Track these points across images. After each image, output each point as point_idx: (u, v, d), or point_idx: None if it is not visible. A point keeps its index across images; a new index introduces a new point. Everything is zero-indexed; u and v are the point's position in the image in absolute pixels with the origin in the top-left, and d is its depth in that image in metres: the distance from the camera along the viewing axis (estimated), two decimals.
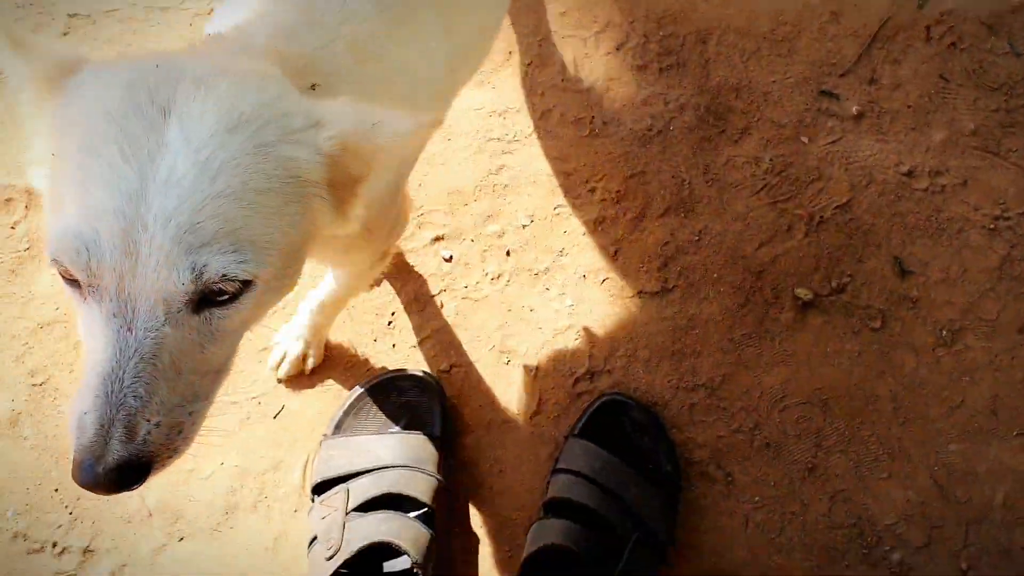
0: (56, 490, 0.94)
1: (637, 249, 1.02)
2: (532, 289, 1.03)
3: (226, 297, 0.49)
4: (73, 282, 0.49)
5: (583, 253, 1.02)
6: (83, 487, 0.49)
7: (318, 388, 0.99)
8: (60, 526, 0.93)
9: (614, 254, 1.02)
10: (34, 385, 0.96)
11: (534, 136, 1.07)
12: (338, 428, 1.00)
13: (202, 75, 0.50)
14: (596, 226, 1.03)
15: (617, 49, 1.10)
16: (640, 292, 1.01)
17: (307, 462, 0.95)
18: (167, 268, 0.46)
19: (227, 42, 0.60)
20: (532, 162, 1.06)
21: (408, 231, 1.05)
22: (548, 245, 1.04)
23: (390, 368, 1.00)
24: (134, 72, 0.50)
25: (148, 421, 0.49)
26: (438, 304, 1.02)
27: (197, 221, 0.46)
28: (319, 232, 0.55)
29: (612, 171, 1.06)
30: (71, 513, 0.94)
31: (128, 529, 0.94)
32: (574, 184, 1.06)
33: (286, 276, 0.55)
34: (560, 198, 1.05)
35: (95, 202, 0.46)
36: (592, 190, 1.05)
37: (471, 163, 1.06)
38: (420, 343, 1.02)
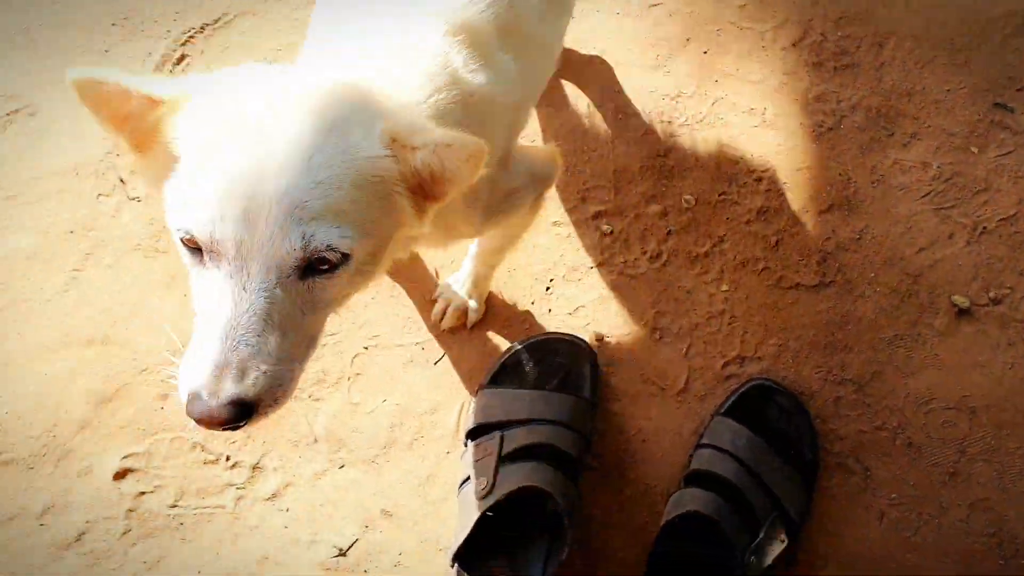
0: None
1: (797, 242, 1.26)
2: (690, 271, 1.28)
3: (327, 267, 0.66)
4: (195, 250, 0.66)
5: (743, 241, 1.26)
6: (195, 418, 0.65)
7: (477, 341, 1.26)
8: (234, 442, 1.22)
9: (774, 244, 1.26)
10: None
11: (705, 122, 1.32)
12: (494, 380, 1.26)
13: (299, 88, 0.70)
14: (759, 215, 1.27)
15: (793, 45, 1.34)
16: (797, 284, 1.24)
17: (462, 408, 1.22)
18: (281, 236, 0.63)
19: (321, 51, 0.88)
20: (700, 147, 1.31)
21: (571, 204, 1.33)
22: (709, 230, 1.28)
23: (547, 330, 1.28)
24: (240, 83, 0.70)
25: (258, 368, 0.65)
26: (596, 276, 1.29)
27: (306, 199, 0.63)
28: (406, 226, 0.72)
29: (779, 163, 1.30)
30: (245, 432, 1.24)
31: (295, 452, 1.22)
32: (740, 172, 1.30)
33: (375, 261, 0.73)
34: (725, 185, 1.30)
35: (219, 185, 0.63)
36: (758, 180, 1.29)
37: (640, 143, 1.31)
38: (575, 311, 1.28)
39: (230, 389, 0.63)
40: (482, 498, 1.15)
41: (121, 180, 1.25)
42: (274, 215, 0.62)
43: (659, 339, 1.25)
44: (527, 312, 1.26)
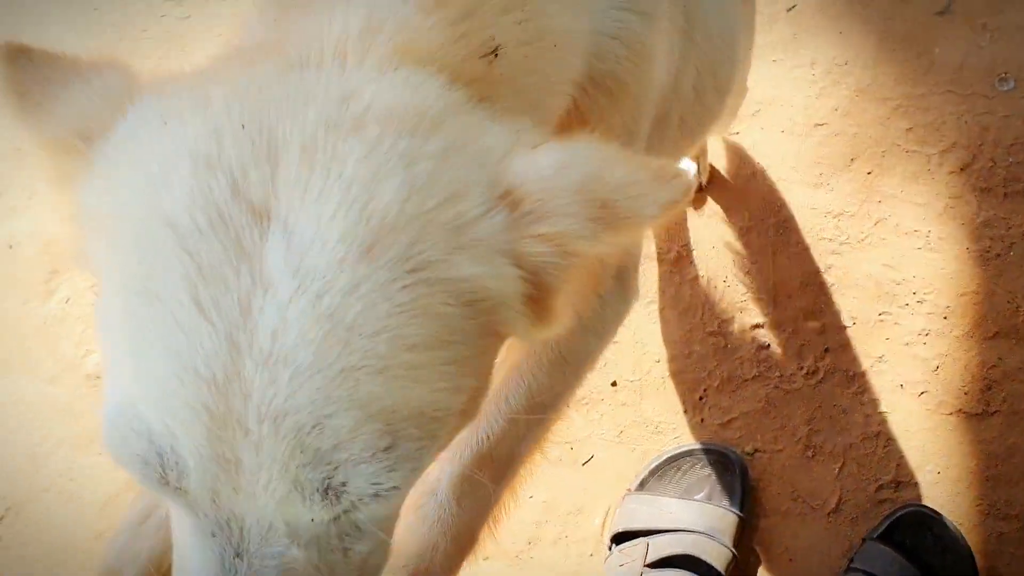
0: None
1: (960, 367, 1.56)
2: (846, 390, 1.61)
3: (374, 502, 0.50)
4: None
5: (903, 363, 1.57)
6: None
7: (626, 444, 1.64)
8: None
9: (936, 368, 1.57)
10: None
11: (866, 242, 1.65)
12: (642, 486, 1.58)
13: (314, 132, 0.49)
14: (920, 338, 1.59)
15: (961, 169, 1.67)
16: (959, 411, 1.53)
17: (608, 511, 1.54)
18: (286, 489, 0.48)
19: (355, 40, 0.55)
20: (861, 266, 1.64)
21: (728, 314, 1.73)
22: (867, 349, 1.61)
23: (698, 439, 1.66)
24: (205, 136, 0.50)
25: None
26: (750, 388, 1.67)
27: (325, 414, 0.46)
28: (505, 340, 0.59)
29: (943, 286, 1.61)
30: None
31: None
32: (902, 293, 1.61)
33: (473, 411, 0.58)
34: (885, 305, 1.62)
35: (163, 383, 0.47)
36: (920, 302, 1.61)
37: (800, 259, 1.64)
38: (727, 423, 1.64)
39: None
40: None
41: None
42: (267, 450, 0.47)
43: (812, 457, 1.59)
44: (678, 420, 1.64)
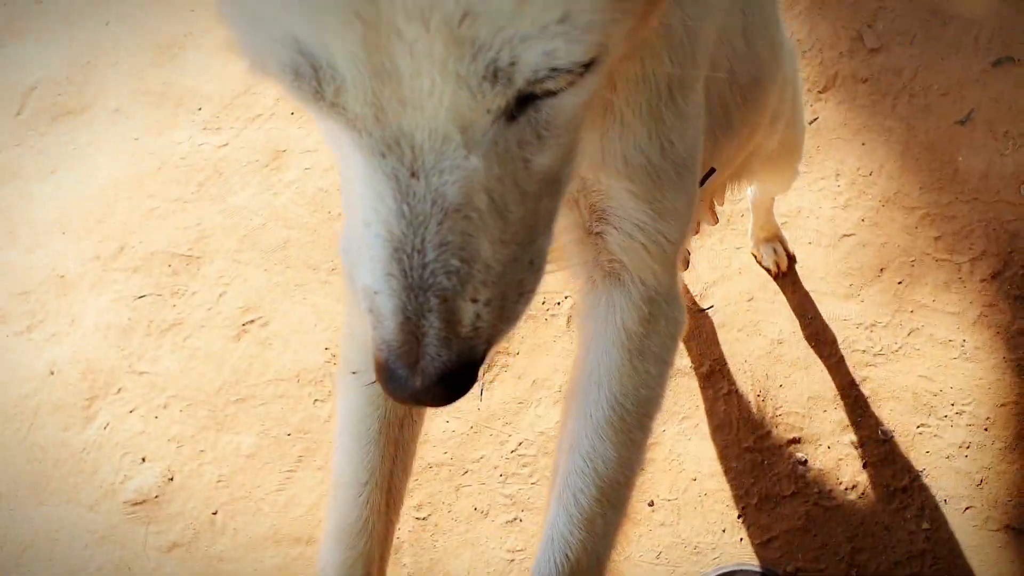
0: None
1: (1006, 481, 1.57)
2: (887, 506, 1.63)
3: (564, 83, 0.47)
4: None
5: (945, 477, 1.57)
6: (396, 400, 0.55)
7: (665, 567, 1.64)
8: None
9: (979, 482, 1.58)
10: (417, 519, 1.75)
11: (901, 352, 1.68)
12: None
13: None
14: (961, 451, 1.62)
15: (993, 277, 1.71)
16: (1007, 527, 1.54)
17: None
18: (453, 81, 0.45)
19: None
20: (896, 377, 1.66)
21: (763, 429, 1.75)
22: (907, 463, 1.62)
23: (737, 560, 1.67)
24: None
25: (475, 301, 0.51)
26: (789, 506, 1.68)
27: (471, 5, 0.42)
28: None
29: (982, 397, 1.63)
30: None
31: None
32: (940, 405, 1.63)
33: (619, 46, 0.51)
34: (923, 417, 1.65)
35: None
36: (959, 413, 1.65)
37: (834, 371, 1.65)
38: (767, 542, 1.65)
39: (439, 357, 0.52)
40: None
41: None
42: (423, 45, 0.44)
43: None
44: (718, 540, 1.65)
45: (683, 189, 0.78)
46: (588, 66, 0.46)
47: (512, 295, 0.54)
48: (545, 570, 0.79)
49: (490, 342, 0.54)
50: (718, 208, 1.54)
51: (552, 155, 0.53)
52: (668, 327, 0.84)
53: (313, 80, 0.46)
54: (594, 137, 0.71)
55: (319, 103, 0.47)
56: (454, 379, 0.52)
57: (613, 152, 0.73)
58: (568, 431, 0.83)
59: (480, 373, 0.55)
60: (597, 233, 0.79)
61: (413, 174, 0.49)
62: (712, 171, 0.99)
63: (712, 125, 0.91)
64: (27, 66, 2.40)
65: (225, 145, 2.18)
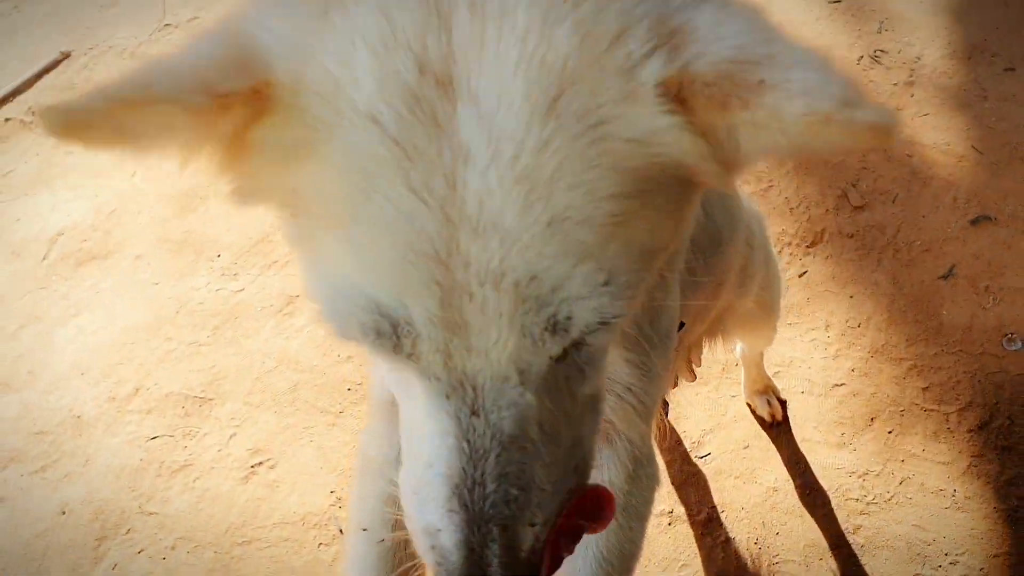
0: None
1: None
2: None
3: (598, 331, 0.53)
4: None
5: None
6: None
7: None
8: None
9: None
10: None
11: (893, 501, 1.70)
12: None
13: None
14: None
15: (980, 428, 1.75)
16: None
17: None
18: (516, 335, 0.52)
19: None
20: (890, 526, 1.68)
21: None
22: None
23: None
24: (378, 19, 0.50)
25: (532, 525, 0.56)
26: None
27: (539, 268, 0.49)
28: (696, 192, 0.58)
29: (975, 547, 1.64)
30: None
31: None
32: (934, 554, 1.64)
33: (677, 248, 0.63)
34: (918, 567, 1.64)
35: (392, 264, 0.50)
36: (954, 563, 1.63)
37: (828, 519, 1.68)
38: None
39: None
40: None
41: (340, 531, 1.85)
42: (492, 308, 0.51)
43: None
44: None
45: (665, 354, 0.84)
46: (617, 318, 0.53)
47: (560, 507, 0.59)
48: None
49: (542, 562, 0.58)
50: (703, 362, 1.62)
51: (593, 383, 0.61)
52: (649, 483, 0.88)
53: (393, 336, 0.53)
54: None
55: (397, 355, 0.54)
56: None
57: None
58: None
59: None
60: None
61: (474, 412, 0.55)
62: (682, 324, 1.04)
63: (680, 284, 0.96)
64: (55, 213, 2.53)
65: (241, 291, 2.28)
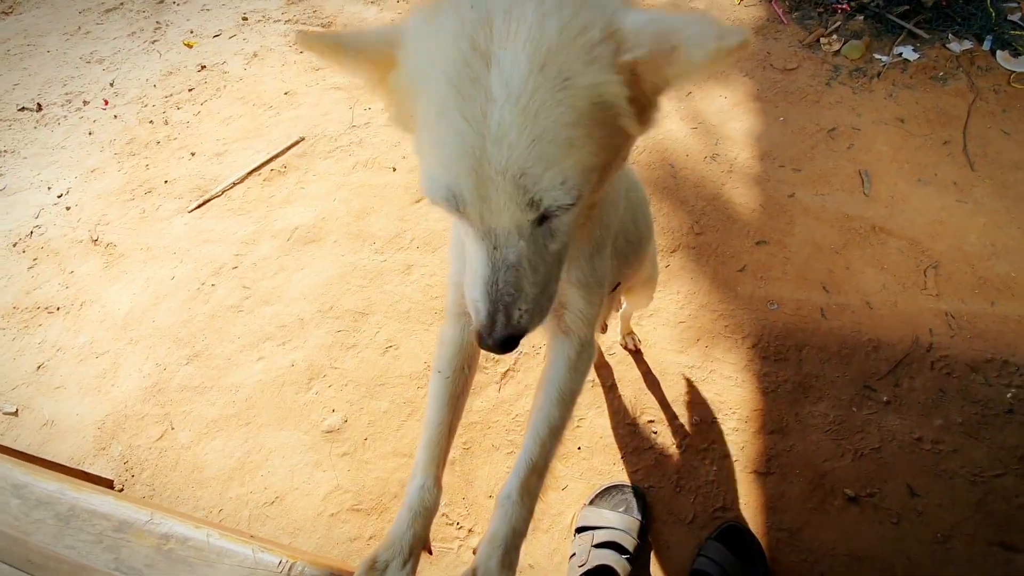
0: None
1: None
2: (693, 458, 1.71)
3: (562, 211, 0.53)
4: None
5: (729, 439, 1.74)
6: (482, 350, 0.61)
7: (584, 481, 1.67)
8: (457, 522, 1.79)
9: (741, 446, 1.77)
10: (463, 447, 1.85)
11: (705, 381, 1.76)
12: (591, 502, 1.67)
13: (510, 4, 0.49)
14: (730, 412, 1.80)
15: (753, 346, 1.79)
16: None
17: (574, 515, 1.63)
18: (513, 206, 0.51)
19: None
20: (702, 395, 1.76)
21: (635, 413, 1.89)
22: (711, 423, 1.71)
23: (618, 480, 1.73)
24: (455, 21, 0.50)
25: (519, 309, 0.57)
26: (648, 455, 1.79)
27: (526, 168, 0.49)
28: (630, 136, 0.55)
29: (745, 407, 1.70)
30: (465, 499, 1.80)
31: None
32: (723, 409, 1.71)
33: (605, 182, 0.57)
34: (716, 415, 1.72)
35: (452, 161, 0.51)
36: (733, 413, 1.71)
37: (671, 391, 1.78)
38: (636, 471, 1.72)
39: (501, 331, 0.58)
40: (580, 566, 1.55)
41: None
42: (502, 187, 0.51)
43: (679, 492, 1.72)
44: (614, 469, 1.69)
45: (600, 292, 0.82)
46: (572, 205, 0.53)
47: (538, 309, 0.59)
48: (521, 463, 0.79)
49: (527, 329, 0.59)
50: (613, 314, 1.70)
51: (558, 244, 0.59)
52: (588, 357, 0.85)
53: (455, 203, 0.54)
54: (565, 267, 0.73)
55: (458, 213, 0.55)
56: (508, 342, 0.59)
57: (572, 275, 0.77)
58: (537, 401, 0.83)
59: (521, 343, 0.60)
60: (558, 314, 0.81)
61: (495, 247, 0.56)
62: (618, 284, 1.06)
63: (622, 263, 0.98)
64: (296, 217, 2.37)
65: (384, 261, 2.18)
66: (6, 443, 1.90)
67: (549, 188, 0.50)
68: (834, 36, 2.75)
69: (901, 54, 2.63)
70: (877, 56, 2.66)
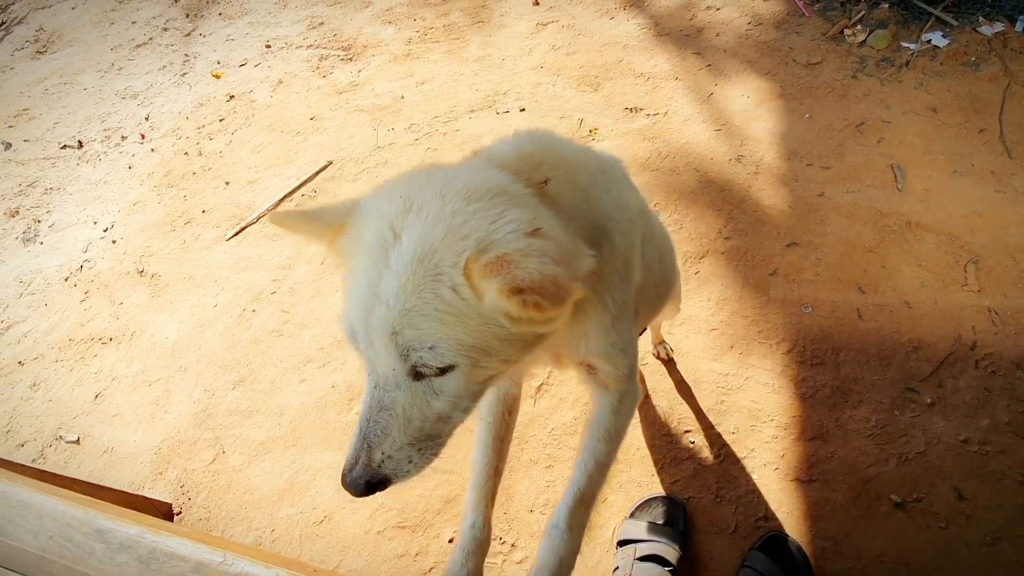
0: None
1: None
2: (735, 464, 1.73)
3: (436, 372, 0.59)
4: None
5: (752, 442, 1.75)
6: (344, 489, 0.61)
7: (624, 493, 1.70)
8: (502, 538, 1.83)
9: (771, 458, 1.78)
10: None
11: (740, 389, 1.76)
12: (632, 514, 1.72)
13: (422, 203, 0.58)
14: (774, 450, 1.79)
15: (788, 352, 1.77)
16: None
17: (615, 528, 1.62)
18: (388, 355, 0.58)
19: (479, 156, 0.69)
20: (737, 401, 1.74)
21: (671, 424, 1.90)
22: (742, 444, 1.74)
23: (657, 492, 1.73)
24: (386, 204, 0.60)
25: (382, 454, 0.60)
26: (685, 464, 1.80)
27: (398, 328, 0.56)
28: (510, 331, 0.58)
29: (783, 412, 1.69)
30: (507, 521, 1.84)
31: (533, 539, 1.80)
32: (760, 415, 1.70)
33: (489, 363, 0.60)
34: (754, 420, 1.71)
35: (354, 308, 0.59)
36: (771, 418, 1.71)
37: (705, 399, 1.78)
38: (675, 482, 1.72)
39: (358, 472, 0.60)
40: None
41: None
42: (380, 339, 0.58)
43: (719, 502, 1.75)
44: (651, 479, 1.70)
45: (629, 353, 0.83)
46: (445, 370, 0.58)
47: (404, 460, 0.62)
48: (568, 494, 0.82)
49: (387, 477, 0.62)
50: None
51: (442, 405, 0.62)
52: (632, 401, 0.88)
53: (353, 339, 0.62)
54: (578, 344, 0.77)
55: (355, 349, 0.63)
56: (365, 487, 0.61)
57: (593, 348, 0.79)
58: (584, 440, 0.86)
59: (383, 491, 0.63)
60: (592, 373, 0.84)
61: (375, 387, 0.62)
62: (644, 329, 1.19)
63: (648, 308, 1.02)
64: None
65: None
66: (70, 471, 2.01)
67: (416, 348, 0.57)
68: (858, 27, 2.70)
69: (930, 41, 2.55)
70: (905, 44, 2.59)
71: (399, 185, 0.62)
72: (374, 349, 0.59)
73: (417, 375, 0.60)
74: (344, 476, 0.61)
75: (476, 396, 0.64)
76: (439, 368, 0.58)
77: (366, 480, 0.60)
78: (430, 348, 0.57)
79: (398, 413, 0.60)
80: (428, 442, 0.62)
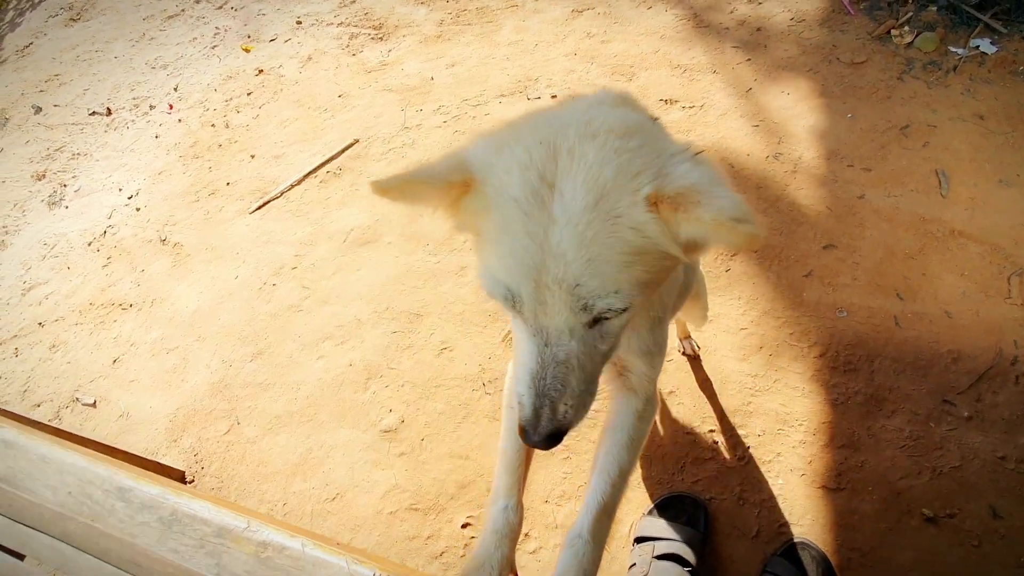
0: None
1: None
2: (755, 468, 1.75)
3: (616, 315, 0.58)
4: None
5: (787, 453, 1.73)
6: (527, 445, 0.66)
7: (643, 491, 1.70)
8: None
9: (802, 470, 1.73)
10: None
11: (769, 391, 1.72)
12: (651, 512, 1.70)
13: (571, 146, 0.56)
14: (792, 435, 1.76)
15: (820, 356, 1.72)
16: None
17: (632, 524, 1.64)
18: (567, 310, 0.56)
19: (581, 100, 0.66)
20: (765, 404, 1.70)
21: (695, 424, 1.86)
22: (768, 449, 1.74)
23: (678, 491, 1.72)
24: (524, 154, 0.57)
25: (565, 405, 0.61)
26: (707, 465, 1.75)
27: (579, 282, 0.55)
28: (677, 261, 0.59)
29: (812, 418, 1.65)
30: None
31: (547, 530, 1.77)
32: (789, 420, 1.66)
33: (655, 290, 0.63)
34: (781, 425, 1.68)
35: (513, 268, 0.57)
36: (800, 425, 1.67)
37: (733, 399, 1.74)
38: (696, 482, 1.67)
39: (546, 426, 0.60)
40: None
41: (483, 384, 2.00)
42: (558, 295, 0.56)
43: (742, 505, 1.71)
44: (671, 478, 1.68)
45: (661, 356, 0.87)
46: (625, 310, 0.58)
47: (582, 405, 0.63)
48: (591, 502, 0.82)
49: (571, 424, 0.63)
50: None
51: (608, 345, 0.64)
52: (653, 408, 0.90)
53: (511, 302, 0.59)
54: (631, 337, 0.80)
55: (512, 311, 0.60)
56: (552, 439, 0.62)
57: (635, 345, 0.82)
58: (605, 445, 0.87)
59: (565, 438, 0.63)
60: (623, 376, 0.86)
61: (546, 344, 0.60)
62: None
63: (671, 311, 1.02)
64: (351, 219, 2.52)
65: (438, 263, 2.20)
66: (86, 433, 2.00)
67: (602, 296, 0.56)
68: (906, 28, 2.61)
69: (978, 47, 2.47)
70: (952, 49, 2.51)
71: (526, 132, 0.59)
72: (546, 307, 0.57)
73: (593, 322, 0.59)
74: (527, 433, 0.60)
75: (617, 339, 0.65)
76: (621, 310, 0.57)
77: (554, 430, 0.61)
78: (615, 292, 0.56)
79: (573, 364, 0.60)
80: (594, 384, 0.64)
